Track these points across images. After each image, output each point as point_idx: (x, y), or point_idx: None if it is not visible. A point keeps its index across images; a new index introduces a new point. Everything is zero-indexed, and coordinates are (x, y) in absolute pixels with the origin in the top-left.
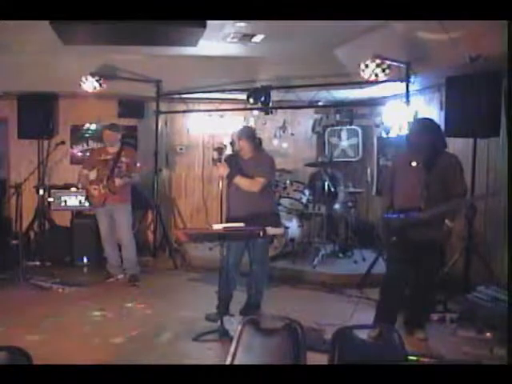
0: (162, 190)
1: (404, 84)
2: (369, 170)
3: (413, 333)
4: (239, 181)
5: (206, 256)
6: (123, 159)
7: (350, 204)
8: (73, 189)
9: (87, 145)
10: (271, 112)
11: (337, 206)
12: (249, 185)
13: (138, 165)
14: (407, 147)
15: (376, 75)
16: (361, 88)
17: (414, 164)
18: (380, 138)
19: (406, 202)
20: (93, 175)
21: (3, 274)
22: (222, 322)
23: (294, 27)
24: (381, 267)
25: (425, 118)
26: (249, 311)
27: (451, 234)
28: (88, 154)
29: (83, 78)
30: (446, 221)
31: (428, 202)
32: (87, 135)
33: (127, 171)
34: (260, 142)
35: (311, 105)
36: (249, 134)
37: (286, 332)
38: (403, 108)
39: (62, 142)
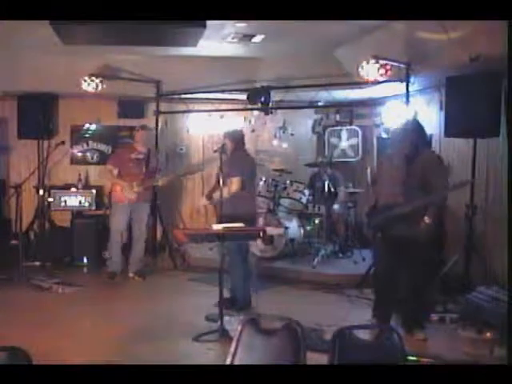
0: (162, 190)
1: (404, 84)
2: (369, 170)
3: (412, 333)
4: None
5: (205, 256)
6: (152, 159)
7: (349, 204)
8: (73, 189)
9: (87, 145)
10: (271, 112)
11: (337, 206)
12: (228, 186)
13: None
14: (390, 147)
15: (375, 75)
16: (361, 88)
17: (395, 162)
18: (380, 138)
19: (387, 198)
20: (115, 171)
21: (3, 274)
22: (221, 322)
23: (294, 27)
24: None
25: (407, 120)
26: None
27: (431, 230)
28: (114, 151)
29: (83, 78)
30: (425, 217)
31: (408, 198)
32: (87, 135)
33: (155, 170)
34: (243, 142)
35: (311, 105)
36: (231, 134)
37: (286, 332)
38: (403, 108)
39: (62, 142)
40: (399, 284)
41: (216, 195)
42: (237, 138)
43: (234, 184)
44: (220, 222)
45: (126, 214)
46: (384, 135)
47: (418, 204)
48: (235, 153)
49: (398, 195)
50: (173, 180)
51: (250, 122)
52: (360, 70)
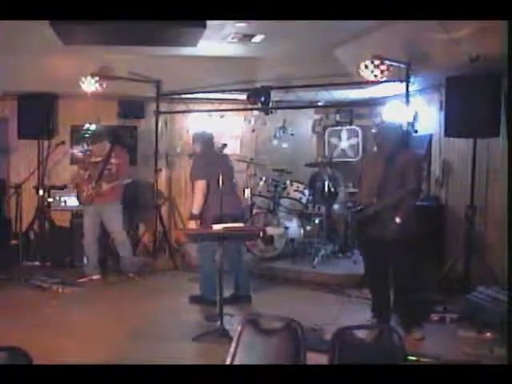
0: (162, 190)
1: (404, 84)
2: None
3: (410, 333)
4: None
5: None
6: (113, 161)
7: (349, 204)
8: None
9: (87, 145)
10: (271, 112)
11: (337, 206)
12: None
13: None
14: (375, 148)
15: (375, 75)
16: (361, 88)
17: (375, 163)
18: None
19: (365, 198)
20: (86, 175)
21: (3, 274)
22: (221, 322)
23: (294, 27)
24: None
25: (387, 122)
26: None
27: (403, 231)
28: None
29: (83, 78)
30: (396, 218)
31: (382, 197)
32: (87, 135)
33: (117, 173)
34: (212, 143)
35: (311, 105)
36: (199, 136)
37: (286, 332)
38: (403, 108)
39: (62, 143)
40: (386, 283)
41: (196, 209)
42: (205, 140)
43: (197, 187)
44: (218, 222)
45: (91, 215)
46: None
47: (387, 203)
48: (202, 155)
49: (375, 195)
50: (116, 186)
51: (249, 121)
52: (360, 69)
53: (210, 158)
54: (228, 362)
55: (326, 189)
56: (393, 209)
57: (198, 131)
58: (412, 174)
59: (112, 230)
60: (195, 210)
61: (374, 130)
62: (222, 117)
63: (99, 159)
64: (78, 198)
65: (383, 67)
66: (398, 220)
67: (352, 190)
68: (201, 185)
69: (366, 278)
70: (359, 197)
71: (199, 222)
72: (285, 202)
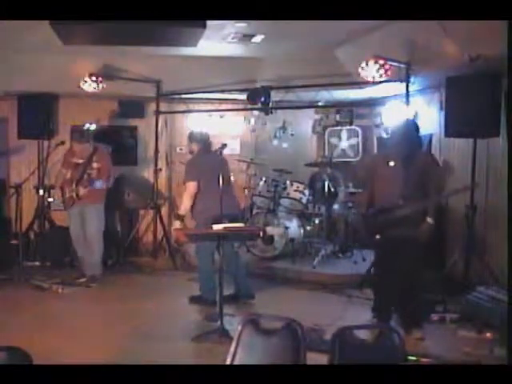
0: (162, 190)
1: (404, 84)
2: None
3: (410, 333)
4: None
5: None
6: (94, 165)
7: (349, 204)
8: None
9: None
10: (271, 112)
11: (337, 206)
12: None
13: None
14: (389, 147)
15: (375, 76)
16: (361, 88)
17: (392, 163)
18: (380, 138)
19: (386, 199)
20: (68, 175)
21: (3, 274)
22: (221, 322)
23: (294, 27)
24: None
25: (406, 120)
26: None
27: (432, 231)
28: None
29: (83, 78)
30: (428, 218)
31: (407, 199)
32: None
33: (98, 176)
34: (208, 143)
35: (311, 105)
36: (195, 136)
37: (285, 332)
38: (403, 108)
39: (62, 143)
40: (399, 285)
41: (183, 210)
42: (202, 141)
43: (188, 189)
44: (214, 223)
45: (76, 218)
46: (384, 135)
47: (421, 206)
48: (197, 156)
49: (397, 197)
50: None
51: (249, 122)
52: (360, 70)
53: (205, 158)
54: (228, 362)
55: (326, 189)
56: (421, 210)
57: (194, 131)
58: (436, 175)
59: (89, 231)
60: (181, 211)
61: (387, 131)
62: (221, 117)
63: (81, 161)
64: (62, 201)
65: (383, 67)
66: (429, 220)
67: (352, 189)
68: (190, 186)
69: (376, 278)
70: (373, 198)
71: (187, 222)
72: (285, 202)
